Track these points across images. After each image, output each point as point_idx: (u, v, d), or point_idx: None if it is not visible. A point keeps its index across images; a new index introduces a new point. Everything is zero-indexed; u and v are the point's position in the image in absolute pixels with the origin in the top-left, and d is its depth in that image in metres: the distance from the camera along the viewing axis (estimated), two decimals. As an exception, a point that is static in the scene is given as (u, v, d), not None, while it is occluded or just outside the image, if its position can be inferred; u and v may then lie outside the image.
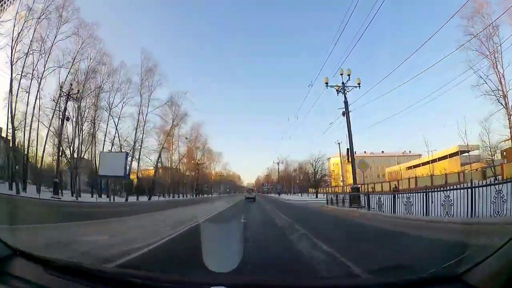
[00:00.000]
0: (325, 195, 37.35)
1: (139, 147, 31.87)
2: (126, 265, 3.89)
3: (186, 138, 43.09)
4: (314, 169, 42.04)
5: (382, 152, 62.30)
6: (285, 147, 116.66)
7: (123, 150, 29.42)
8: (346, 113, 16.72)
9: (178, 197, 41.93)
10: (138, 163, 33.47)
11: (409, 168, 48.94)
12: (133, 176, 35.21)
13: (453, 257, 2.04)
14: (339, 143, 35.68)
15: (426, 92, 43.92)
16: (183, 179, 46.18)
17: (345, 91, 16.71)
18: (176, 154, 42.45)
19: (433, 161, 46.23)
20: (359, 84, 16.67)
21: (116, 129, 30.40)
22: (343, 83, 16.69)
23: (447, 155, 45.75)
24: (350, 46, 17.92)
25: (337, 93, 16.80)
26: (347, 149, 17.21)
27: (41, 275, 1.75)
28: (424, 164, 47.43)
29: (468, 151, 42.64)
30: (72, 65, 25.95)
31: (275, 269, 4.10)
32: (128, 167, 27.02)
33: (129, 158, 28.52)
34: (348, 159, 17.11)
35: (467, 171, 32.84)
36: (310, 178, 42.15)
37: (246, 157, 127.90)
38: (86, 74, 27.22)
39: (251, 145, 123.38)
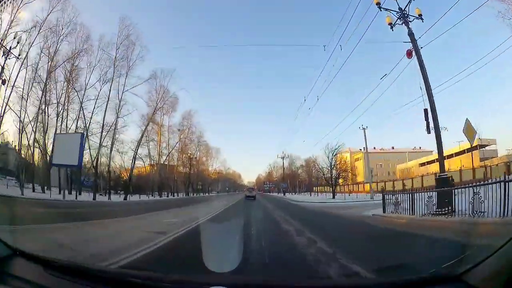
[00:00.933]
0: (344, 195, 31.63)
1: (113, 133, 27.50)
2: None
3: (179, 130, 38.71)
4: (331, 163, 33.95)
5: (392, 148, 58.75)
6: (289, 142, 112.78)
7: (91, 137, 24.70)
8: (415, 49, 11.25)
9: (167, 196, 37.29)
10: (111, 152, 28.48)
11: (422, 164, 45.44)
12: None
13: (453, 257, 2.12)
14: (364, 128, 30.56)
15: (435, 84, 40.42)
16: (173, 176, 41.28)
17: (407, 19, 11.30)
18: (166, 147, 37.84)
19: (449, 156, 42.95)
20: (420, 15, 11.42)
21: (81, 109, 25.54)
22: (400, 8, 11.58)
23: (464, 150, 42.49)
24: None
25: (391, 27, 11.68)
26: (425, 109, 10.96)
27: (41, 275, 1.77)
28: (437, 160, 43.79)
29: (485, 146, 39.45)
30: (39, 31, 22.43)
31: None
32: (83, 153, 21.75)
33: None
34: (427, 127, 10.82)
35: (493, 166, 29.84)
36: (325, 174, 34.30)
37: (247, 156, 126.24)
38: (58, 39, 23.29)
39: (252, 144, 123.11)
